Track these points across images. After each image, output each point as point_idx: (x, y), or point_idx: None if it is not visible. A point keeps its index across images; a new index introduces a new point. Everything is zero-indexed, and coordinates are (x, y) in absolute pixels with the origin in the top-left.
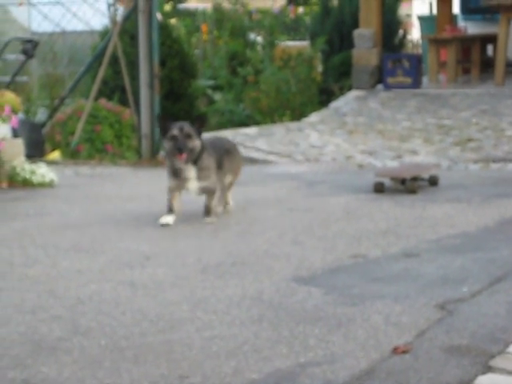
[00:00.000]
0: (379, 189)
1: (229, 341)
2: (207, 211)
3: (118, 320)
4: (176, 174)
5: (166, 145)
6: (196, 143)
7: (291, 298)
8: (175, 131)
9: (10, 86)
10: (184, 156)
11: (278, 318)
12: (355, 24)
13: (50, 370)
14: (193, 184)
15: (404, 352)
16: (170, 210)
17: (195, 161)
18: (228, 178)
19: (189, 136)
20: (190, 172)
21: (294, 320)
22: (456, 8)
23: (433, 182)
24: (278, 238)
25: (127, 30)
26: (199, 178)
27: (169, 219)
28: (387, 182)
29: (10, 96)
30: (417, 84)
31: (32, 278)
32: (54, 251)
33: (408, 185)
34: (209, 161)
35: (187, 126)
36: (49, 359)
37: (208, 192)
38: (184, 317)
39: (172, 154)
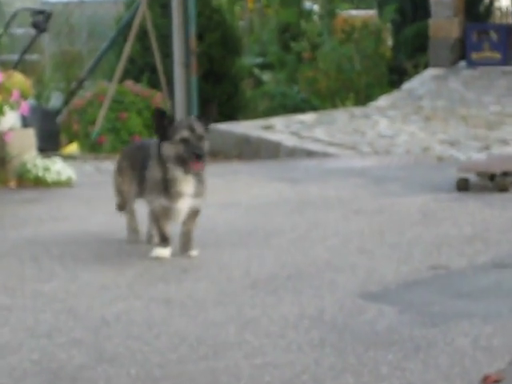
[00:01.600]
0: (463, 186)
1: (284, 369)
2: (190, 241)
3: (151, 345)
4: (169, 188)
5: (171, 150)
6: (207, 146)
7: (358, 318)
8: (185, 133)
9: (19, 65)
10: (203, 164)
11: (343, 341)
12: None
13: None
14: (186, 203)
15: (496, 382)
16: (165, 239)
17: None
18: None
19: (201, 138)
20: (189, 185)
21: (363, 344)
22: None
23: None
24: (341, 246)
25: None
26: (196, 193)
27: (165, 252)
28: (472, 177)
29: (18, 78)
30: (507, 60)
31: (47, 295)
32: (73, 263)
33: (498, 181)
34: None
35: (198, 125)
36: None
37: (196, 214)
38: (230, 341)
39: (183, 161)
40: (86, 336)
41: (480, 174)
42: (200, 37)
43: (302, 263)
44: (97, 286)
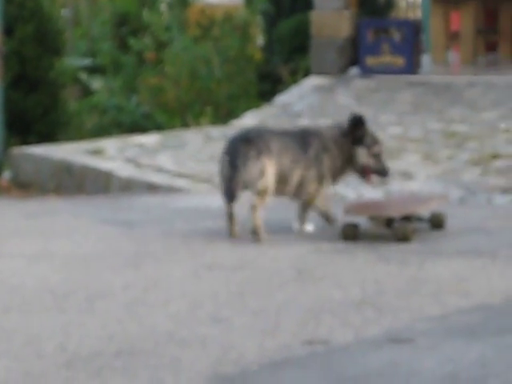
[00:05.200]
0: (351, 234)
1: None
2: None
3: None
4: None
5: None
6: None
7: None
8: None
9: None
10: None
11: None
12: None
13: None
14: None
15: None
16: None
17: None
18: None
19: None
20: None
21: None
22: None
23: (436, 223)
24: (188, 313)
25: None
26: None
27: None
28: (363, 223)
29: None
30: (412, 67)
31: None
32: None
33: (397, 228)
34: None
35: None
36: None
37: None
38: None
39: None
40: None
41: (373, 219)
42: (8, 31)
43: (136, 335)
44: None
